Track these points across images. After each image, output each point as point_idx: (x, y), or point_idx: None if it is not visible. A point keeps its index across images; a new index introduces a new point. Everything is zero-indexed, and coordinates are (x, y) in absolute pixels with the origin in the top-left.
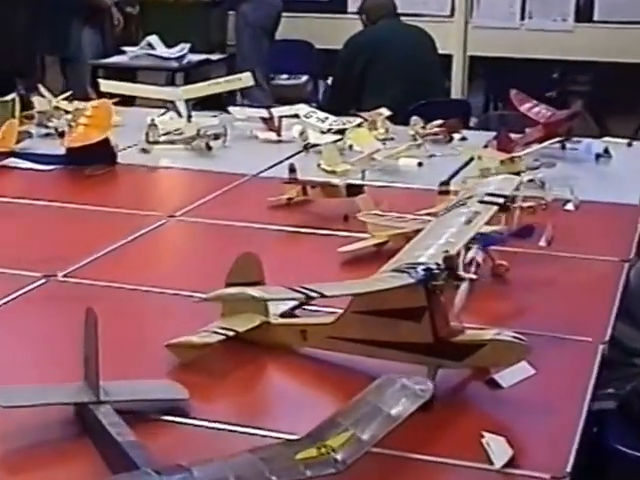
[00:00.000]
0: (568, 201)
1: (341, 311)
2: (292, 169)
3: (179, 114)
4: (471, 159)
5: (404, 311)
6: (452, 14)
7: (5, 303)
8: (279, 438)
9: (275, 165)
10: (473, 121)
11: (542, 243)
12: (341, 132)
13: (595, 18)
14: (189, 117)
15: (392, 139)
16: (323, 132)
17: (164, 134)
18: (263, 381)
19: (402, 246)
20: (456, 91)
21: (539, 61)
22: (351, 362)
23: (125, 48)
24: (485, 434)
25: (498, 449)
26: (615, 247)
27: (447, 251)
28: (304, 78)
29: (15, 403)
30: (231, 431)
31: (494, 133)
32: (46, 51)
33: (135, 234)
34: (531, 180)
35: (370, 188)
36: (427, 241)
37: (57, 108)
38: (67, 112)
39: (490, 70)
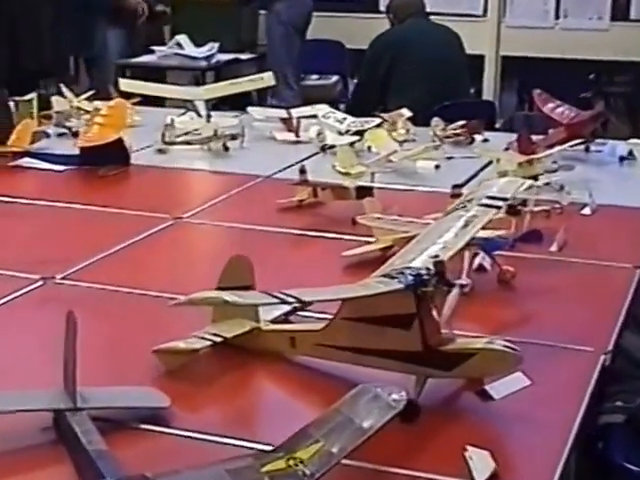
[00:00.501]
0: (585, 205)
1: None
2: (302, 171)
3: (198, 114)
4: (490, 161)
5: (393, 318)
6: (485, 13)
7: None
8: (259, 449)
9: (290, 166)
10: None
11: (553, 248)
12: (360, 133)
13: (631, 17)
14: (208, 117)
15: (413, 140)
16: (341, 133)
17: (184, 134)
18: (249, 389)
19: None
20: (488, 92)
21: (574, 61)
22: (340, 370)
23: (154, 47)
24: (468, 448)
25: (480, 464)
26: (630, 253)
27: (437, 256)
28: (334, 78)
29: None
30: (211, 441)
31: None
32: (71, 51)
33: (138, 236)
34: (547, 183)
35: (384, 191)
36: (421, 245)
37: (78, 108)
38: (87, 112)
39: (523, 70)
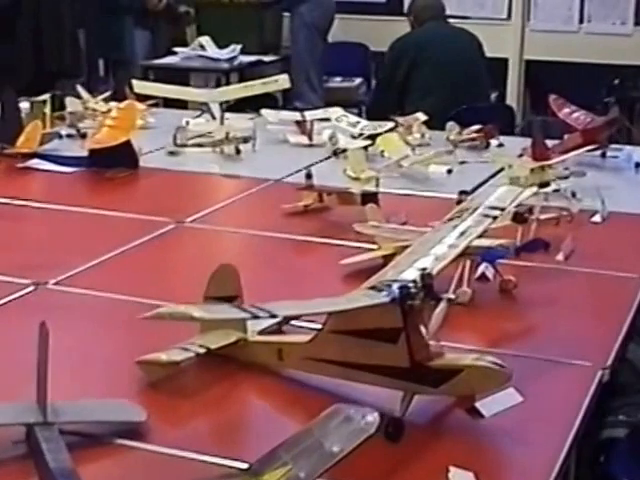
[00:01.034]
0: (596, 212)
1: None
2: (308, 175)
3: (213, 116)
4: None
5: (380, 332)
6: (509, 17)
7: None
8: (237, 467)
9: (300, 170)
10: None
11: (559, 257)
12: (373, 137)
13: None
14: (222, 119)
15: (428, 144)
16: (354, 137)
17: (197, 136)
18: (232, 403)
19: None
20: (511, 95)
21: (598, 66)
22: (328, 384)
23: (177, 49)
24: (452, 468)
25: None
26: (638, 263)
27: (425, 268)
28: (358, 81)
29: None
30: (187, 458)
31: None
32: (101, 53)
33: (137, 241)
34: (556, 190)
35: (393, 196)
36: (413, 256)
37: (93, 110)
38: (103, 113)
39: (547, 74)
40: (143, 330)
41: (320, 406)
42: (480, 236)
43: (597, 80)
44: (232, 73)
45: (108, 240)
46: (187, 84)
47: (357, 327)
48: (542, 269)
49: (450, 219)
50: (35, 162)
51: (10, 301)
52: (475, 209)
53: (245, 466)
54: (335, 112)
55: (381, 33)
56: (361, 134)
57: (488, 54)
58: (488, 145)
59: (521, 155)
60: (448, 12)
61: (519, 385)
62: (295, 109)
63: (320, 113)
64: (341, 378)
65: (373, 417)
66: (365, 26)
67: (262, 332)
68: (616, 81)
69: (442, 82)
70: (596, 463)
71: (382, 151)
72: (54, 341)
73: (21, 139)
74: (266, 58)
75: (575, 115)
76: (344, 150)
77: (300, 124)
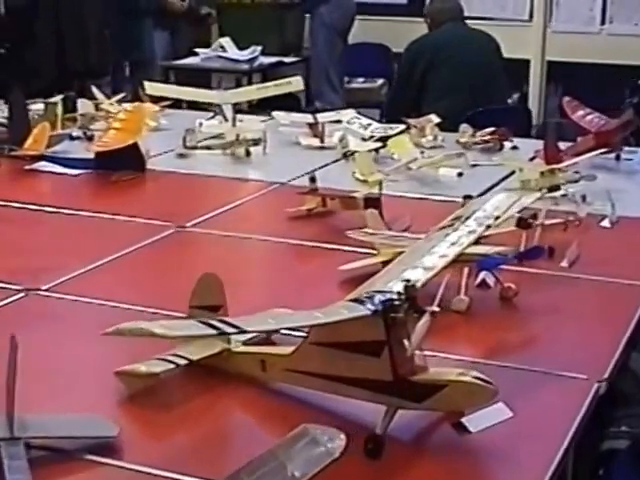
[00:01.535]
0: (605, 217)
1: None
2: (312, 179)
3: (225, 118)
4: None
5: (363, 345)
6: (531, 18)
7: None
8: None
9: (308, 173)
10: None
11: (564, 264)
12: (384, 139)
13: None
14: (234, 121)
15: (441, 147)
16: (365, 139)
17: (210, 138)
18: (211, 418)
19: None
20: (533, 97)
21: (619, 67)
22: (312, 397)
23: (197, 50)
24: None
25: None
26: None
27: (409, 280)
28: (380, 81)
29: None
30: (159, 476)
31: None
32: (121, 54)
33: (135, 246)
34: (564, 195)
35: (400, 199)
36: (401, 266)
37: (108, 111)
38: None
39: (569, 76)
40: (130, 339)
41: (303, 421)
42: (477, 243)
43: (620, 81)
44: (254, 74)
45: (105, 245)
46: (209, 85)
47: (340, 339)
48: (546, 276)
49: (443, 227)
50: (42, 164)
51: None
52: (469, 217)
53: None
54: (347, 114)
55: (402, 34)
56: (372, 136)
57: (510, 55)
58: (502, 147)
59: (534, 158)
60: (469, 13)
61: (510, 399)
62: (316, 110)
63: (332, 115)
64: (324, 391)
65: (339, 440)
66: (386, 27)
67: (247, 342)
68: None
69: (459, 84)
70: (596, 475)
71: (393, 153)
72: (36, 350)
73: (29, 141)
74: (287, 59)
75: (589, 117)
76: (354, 152)
77: (312, 126)
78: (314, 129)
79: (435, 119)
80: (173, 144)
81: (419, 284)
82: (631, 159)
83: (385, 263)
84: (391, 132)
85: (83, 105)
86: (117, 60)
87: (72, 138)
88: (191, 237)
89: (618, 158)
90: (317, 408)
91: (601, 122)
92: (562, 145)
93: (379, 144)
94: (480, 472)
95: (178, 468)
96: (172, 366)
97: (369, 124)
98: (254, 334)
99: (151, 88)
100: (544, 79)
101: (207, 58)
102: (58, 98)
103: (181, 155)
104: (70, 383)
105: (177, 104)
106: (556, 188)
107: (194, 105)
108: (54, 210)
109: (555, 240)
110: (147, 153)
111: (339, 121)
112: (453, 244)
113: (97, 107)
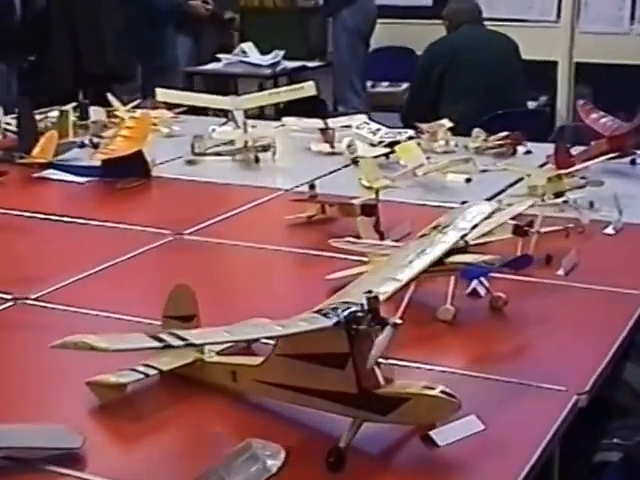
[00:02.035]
0: (609, 224)
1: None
2: (312, 186)
3: (237, 124)
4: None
5: (327, 357)
6: (558, 19)
7: None
8: None
9: (314, 180)
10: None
11: (560, 272)
12: (394, 145)
13: None
14: (245, 127)
15: (453, 152)
16: (373, 145)
17: (222, 144)
18: (180, 429)
19: None
20: (561, 98)
21: None
22: (285, 409)
23: (220, 55)
24: None
25: None
26: None
27: (371, 291)
28: (404, 85)
29: None
30: None
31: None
32: (143, 59)
33: (130, 254)
34: (565, 201)
35: (403, 205)
36: (375, 276)
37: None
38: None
39: (597, 77)
40: None
41: (273, 432)
42: (466, 251)
43: None
44: (280, 78)
45: (100, 253)
46: (235, 91)
47: (305, 351)
48: (541, 284)
49: (422, 235)
50: (49, 172)
51: None
52: (447, 225)
53: None
54: (358, 119)
55: (427, 37)
56: (381, 142)
57: (537, 57)
58: (515, 152)
59: (546, 163)
60: (496, 15)
61: (484, 411)
62: (338, 114)
63: (343, 120)
64: (292, 402)
65: (279, 456)
66: (411, 30)
67: (222, 352)
68: None
69: (476, 86)
70: None
71: (399, 159)
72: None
73: (36, 149)
74: (310, 64)
75: (602, 121)
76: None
77: (323, 131)
78: (325, 134)
79: (447, 124)
80: (183, 151)
81: (382, 296)
82: None
83: None
84: (400, 137)
85: (96, 112)
86: (143, 65)
87: (81, 146)
88: (188, 245)
89: (633, 163)
90: (287, 420)
91: (614, 126)
92: (576, 150)
93: (387, 150)
94: None
95: (142, 478)
96: (141, 376)
97: (378, 129)
98: (228, 344)
99: (162, 95)
100: (572, 81)
101: (229, 63)
102: (70, 106)
103: (190, 162)
104: (43, 393)
105: (195, 110)
106: (562, 194)
107: (216, 111)
108: (57, 218)
109: (554, 247)
110: (153, 161)
111: (351, 126)
112: (425, 254)
113: (110, 114)
